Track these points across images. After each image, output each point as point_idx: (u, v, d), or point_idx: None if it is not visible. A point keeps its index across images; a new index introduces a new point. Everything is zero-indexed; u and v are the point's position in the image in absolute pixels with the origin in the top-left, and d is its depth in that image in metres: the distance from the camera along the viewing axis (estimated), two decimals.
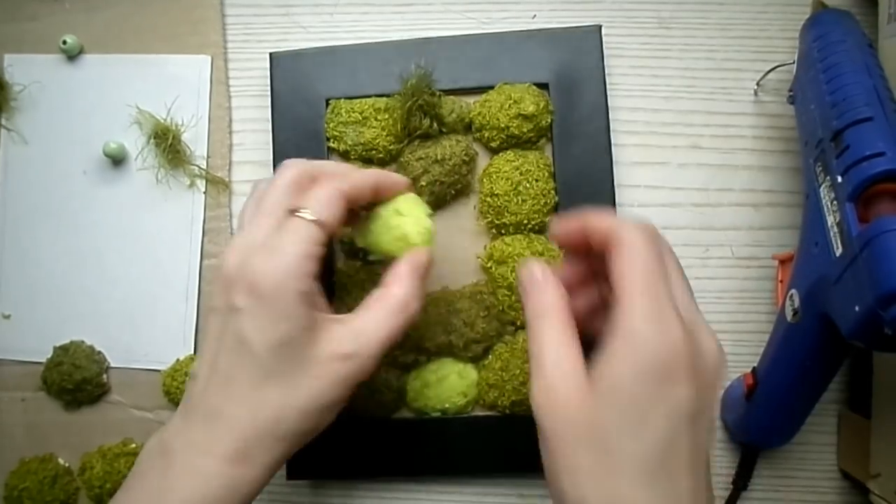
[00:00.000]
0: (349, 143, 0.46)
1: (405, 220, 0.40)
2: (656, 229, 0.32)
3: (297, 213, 0.34)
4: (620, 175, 0.47)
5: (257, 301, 0.32)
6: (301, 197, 0.35)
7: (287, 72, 0.47)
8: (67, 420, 0.49)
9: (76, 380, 0.47)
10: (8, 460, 0.48)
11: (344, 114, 0.47)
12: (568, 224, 0.34)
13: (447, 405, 0.45)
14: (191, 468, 0.33)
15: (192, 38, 0.50)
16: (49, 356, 0.48)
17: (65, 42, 0.49)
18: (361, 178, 0.37)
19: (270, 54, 0.48)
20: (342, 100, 0.47)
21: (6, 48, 0.51)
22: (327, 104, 0.47)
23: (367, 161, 0.47)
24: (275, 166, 0.47)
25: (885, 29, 0.42)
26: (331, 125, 0.47)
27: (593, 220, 0.33)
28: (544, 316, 0.32)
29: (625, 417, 0.28)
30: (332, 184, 0.36)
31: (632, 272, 0.30)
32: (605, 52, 0.46)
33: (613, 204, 0.45)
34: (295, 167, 0.36)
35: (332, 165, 0.39)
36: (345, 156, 0.47)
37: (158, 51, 0.50)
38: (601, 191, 0.45)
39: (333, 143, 0.47)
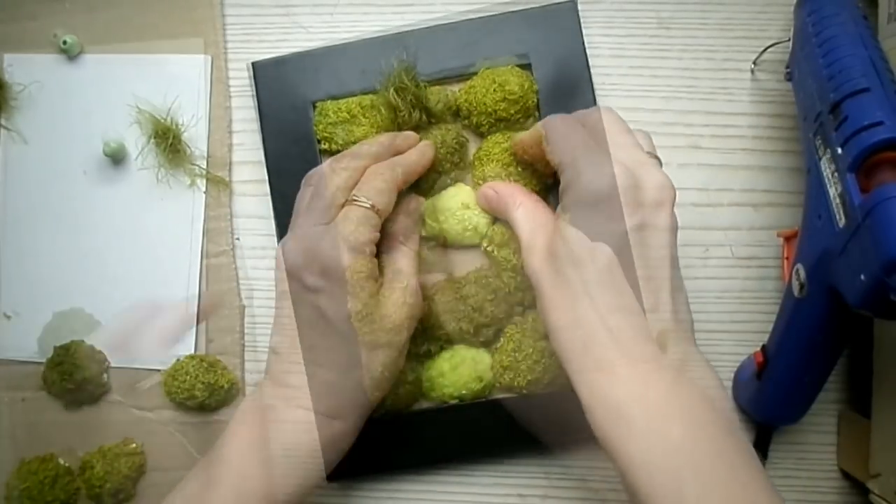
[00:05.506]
0: (340, 142, 0.46)
1: (472, 212, 0.45)
2: (592, 111, 0.38)
3: (356, 202, 0.38)
4: None
5: (331, 282, 0.37)
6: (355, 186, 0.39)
7: (270, 80, 0.47)
8: (67, 420, 0.49)
9: (76, 380, 0.47)
10: (8, 460, 0.48)
11: (331, 114, 0.46)
12: (522, 139, 0.42)
13: (464, 391, 0.45)
14: (292, 419, 0.37)
15: (192, 38, 0.50)
16: (49, 356, 0.48)
17: (65, 42, 0.49)
18: (413, 162, 0.42)
19: (251, 64, 0.48)
20: (328, 101, 0.47)
21: (6, 48, 0.51)
22: (314, 107, 0.47)
23: None
24: (269, 174, 0.47)
25: (885, 29, 0.42)
26: (320, 127, 0.47)
27: (533, 130, 0.40)
28: (516, 206, 0.41)
29: (570, 253, 0.34)
30: (387, 174, 0.40)
31: (555, 146, 0.37)
32: (606, 52, 0.46)
33: None
34: (346, 169, 0.40)
35: (373, 148, 0.42)
36: None
37: (158, 51, 0.50)
38: None
39: (325, 144, 0.47)
